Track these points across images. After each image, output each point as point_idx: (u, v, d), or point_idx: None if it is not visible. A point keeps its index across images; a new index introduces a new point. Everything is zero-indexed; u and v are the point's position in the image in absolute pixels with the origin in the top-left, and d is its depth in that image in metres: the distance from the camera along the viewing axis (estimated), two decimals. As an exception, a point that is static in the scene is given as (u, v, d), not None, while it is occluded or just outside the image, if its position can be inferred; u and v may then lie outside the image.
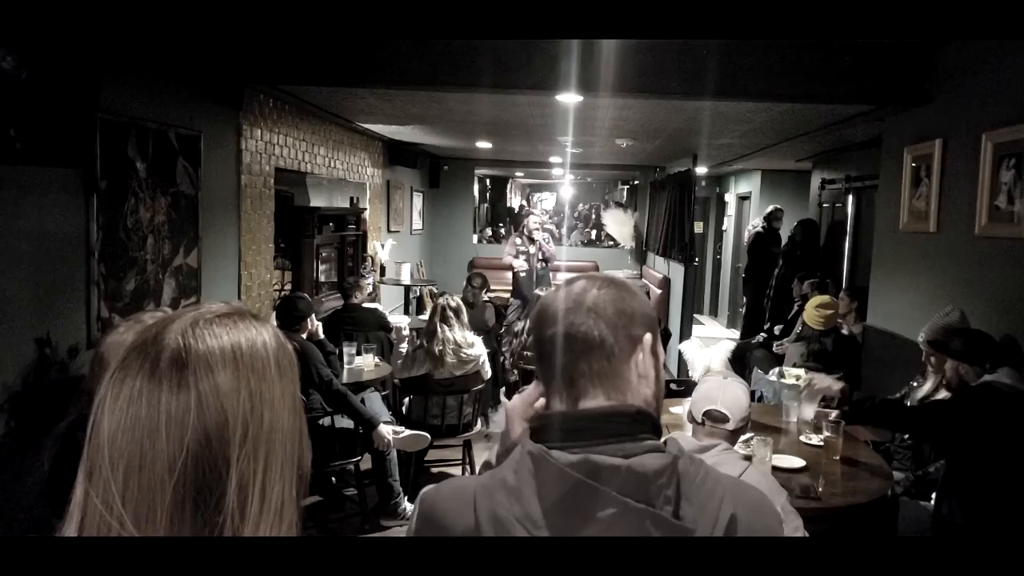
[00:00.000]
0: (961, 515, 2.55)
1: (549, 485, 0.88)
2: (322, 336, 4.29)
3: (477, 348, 4.51)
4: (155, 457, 0.71)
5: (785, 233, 7.71)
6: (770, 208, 8.19)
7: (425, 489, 1.02)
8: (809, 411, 3.22)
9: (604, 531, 0.85)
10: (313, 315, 4.14)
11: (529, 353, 5.34)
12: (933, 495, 2.96)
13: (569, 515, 0.87)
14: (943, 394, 3.11)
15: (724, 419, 2.25)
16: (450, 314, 4.39)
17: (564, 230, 15.50)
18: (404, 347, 4.90)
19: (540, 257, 8.08)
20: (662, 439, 0.96)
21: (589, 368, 0.96)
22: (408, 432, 4.02)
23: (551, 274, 8.31)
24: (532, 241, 8.06)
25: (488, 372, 4.64)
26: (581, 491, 0.87)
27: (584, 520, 0.86)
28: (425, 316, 5.04)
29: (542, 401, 1.03)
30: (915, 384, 3.41)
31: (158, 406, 0.72)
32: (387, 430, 3.92)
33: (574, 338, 0.96)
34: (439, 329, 4.35)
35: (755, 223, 8.49)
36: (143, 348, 0.75)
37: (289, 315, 4.01)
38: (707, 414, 2.27)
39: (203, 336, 0.76)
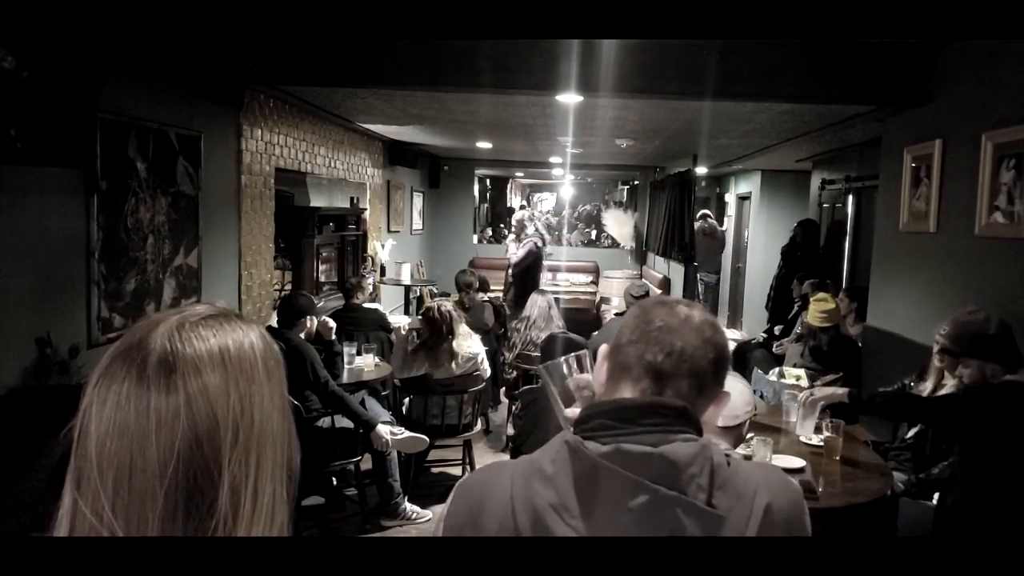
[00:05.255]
0: (965, 505, 2.55)
1: (583, 475, 0.90)
2: (334, 337, 4.26)
3: (475, 348, 4.51)
4: (145, 463, 0.69)
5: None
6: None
7: (463, 477, 1.08)
8: (810, 425, 3.13)
9: (636, 520, 0.87)
10: (313, 315, 4.13)
11: (527, 353, 5.34)
12: (935, 496, 2.96)
13: (602, 504, 0.89)
14: (945, 390, 3.10)
15: (724, 419, 2.25)
16: (448, 328, 4.38)
17: (564, 230, 15.50)
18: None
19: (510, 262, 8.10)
20: None
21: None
22: (407, 434, 4.02)
23: (548, 274, 8.30)
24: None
25: (487, 372, 4.64)
26: (613, 480, 0.89)
27: (616, 509, 0.88)
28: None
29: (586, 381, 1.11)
30: (910, 384, 3.39)
31: (147, 411, 0.70)
32: (385, 430, 3.91)
33: (676, 371, 1.00)
34: (446, 342, 4.35)
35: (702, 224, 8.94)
36: (128, 353, 0.73)
37: (289, 311, 4.01)
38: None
39: (190, 339, 0.74)
